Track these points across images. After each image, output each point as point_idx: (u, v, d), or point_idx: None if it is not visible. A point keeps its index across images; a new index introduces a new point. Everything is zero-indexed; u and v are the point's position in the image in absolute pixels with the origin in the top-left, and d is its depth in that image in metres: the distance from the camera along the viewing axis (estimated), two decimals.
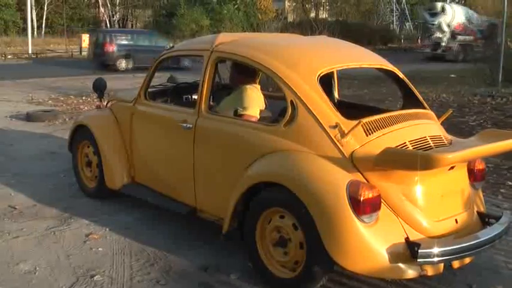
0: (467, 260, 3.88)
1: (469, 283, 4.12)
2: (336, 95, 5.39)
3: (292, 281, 3.84)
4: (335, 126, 3.79)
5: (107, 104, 6.25)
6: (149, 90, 5.45)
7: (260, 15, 44.17)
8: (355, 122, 3.77)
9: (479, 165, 4.25)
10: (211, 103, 4.89)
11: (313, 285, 3.79)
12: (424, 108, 4.46)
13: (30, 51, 30.62)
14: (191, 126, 4.60)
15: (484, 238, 3.78)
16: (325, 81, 4.41)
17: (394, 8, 54.22)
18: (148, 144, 5.30)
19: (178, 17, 41.25)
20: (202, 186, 4.61)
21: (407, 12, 54.46)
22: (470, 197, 4.08)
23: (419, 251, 3.44)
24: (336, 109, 3.92)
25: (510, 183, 6.68)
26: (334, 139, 3.75)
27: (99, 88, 6.43)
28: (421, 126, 4.07)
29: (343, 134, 3.75)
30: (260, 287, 4.00)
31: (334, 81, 5.34)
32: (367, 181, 3.63)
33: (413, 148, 3.76)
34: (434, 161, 3.45)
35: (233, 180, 4.18)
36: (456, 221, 3.83)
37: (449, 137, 4.21)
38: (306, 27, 20.64)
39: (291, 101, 4.00)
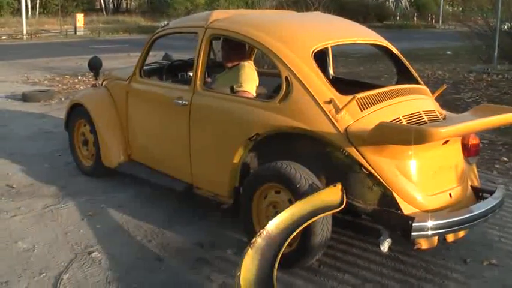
0: (461, 234, 3.92)
1: (463, 257, 4.16)
2: (331, 71, 5.38)
3: (289, 256, 3.84)
4: (329, 102, 3.79)
5: (102, 82, 6.24)
6: (144, 68, 5.44)
7: None
8: (349, 98, 3.78)
9: (473, 140, 4.27)
10: (207, 80, 4.88)
11: (309, 259, 3.83)
12: (419, 83, 4.47)
13: (24, 32, 30.38)
14: (186, 102, 4.60)
15: (478, 212, 3.81)
16: (320, 58, 4.40)
17: None
18: (144, 122, 5.30)
19: None
20: (198, 162, 4.63)
21: None
22: (465, 172, 4.10)
23: (414, 224, 3.47)
24: (331, 85, 3.92)
25: (505, 158, 6.72)
26: (329, 114, 3.76)
27: (95, 67, 6.42)
28: (415, 101, 4.08)
29: (337, 109, 3.75)
30: None
31: (328, 58, 5.32)
32: (362, 156, 3.65)
33: (408, 123, 3.77)
34: (427, 135, 3.46)
35: (229, 156, 4.21)
36: (450, 195, 3.85)
37: (444, 112, 4.22)
38: (301, 4, 20.44)
39: (286, 77, 4.00)
